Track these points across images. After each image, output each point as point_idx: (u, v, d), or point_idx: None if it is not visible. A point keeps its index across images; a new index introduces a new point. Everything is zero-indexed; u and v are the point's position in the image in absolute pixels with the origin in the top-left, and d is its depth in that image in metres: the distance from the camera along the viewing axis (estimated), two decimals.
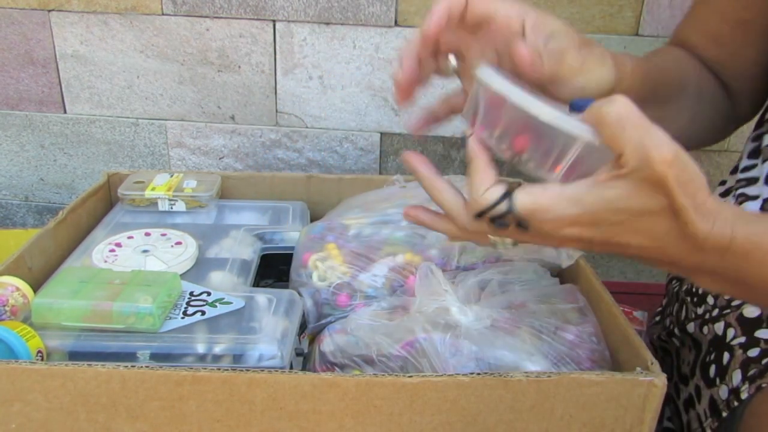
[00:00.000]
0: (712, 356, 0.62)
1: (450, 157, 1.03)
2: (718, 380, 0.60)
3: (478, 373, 0.49)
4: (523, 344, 0.55)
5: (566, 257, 0.66)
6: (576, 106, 0.43)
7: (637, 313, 0.89)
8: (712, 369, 0.61)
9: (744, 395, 0.56)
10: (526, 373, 0.50)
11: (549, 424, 0.51)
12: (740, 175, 0.66)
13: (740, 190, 0.64)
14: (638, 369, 0.51)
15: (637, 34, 0.93)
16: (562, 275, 0.68)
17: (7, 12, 0.97)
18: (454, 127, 1.01)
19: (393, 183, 0.81)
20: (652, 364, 0.50)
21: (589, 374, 0.50)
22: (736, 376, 0.58)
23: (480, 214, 0.43)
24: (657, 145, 0.37)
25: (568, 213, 0.40)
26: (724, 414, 0.58)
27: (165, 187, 0.80)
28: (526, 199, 0.41)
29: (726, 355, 0.60)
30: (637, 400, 0.50)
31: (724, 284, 0.44)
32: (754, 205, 0.62)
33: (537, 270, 0.64)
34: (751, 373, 0.57)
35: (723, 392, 0.59)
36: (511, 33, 0.47)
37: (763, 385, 0.55)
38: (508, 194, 0.42)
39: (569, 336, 0.56)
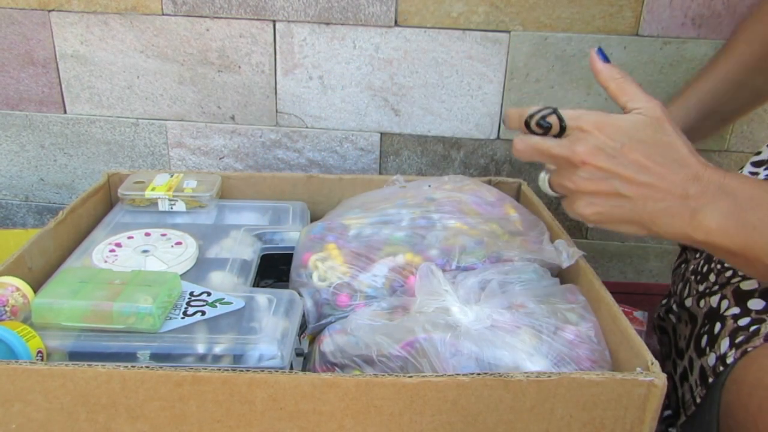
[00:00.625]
0: (706, 328, 0.63)
1: (450, 157, 1.03)
2: (707, 349, 0.60)
3: (478, 374, 0.49)
4: (523, 344, 0.55)
5: (566, 257, 0.66)
6: (601, 53, 0.57)
7: (637, 313, 0.89)
8: (704, 339, 0.62)
9: (729, 360, 0.57)
10: (526, 373, 0.50)
11: (549, 425, 0.51)
12: None
13: None
14: (638, 369, 0.51)
15: (637, 34, 0.93)
16: (562, 275, 0.68)
17: (7, 12, 0.97)
18: (454, 128, 1.01)
19: (393, 183, 0.81)
20: (652, 364, 0.50)
21: (589, 374, 0.50)
22: (724, 344, 0.58)
23: (530, 117, 0.54)
24: (649, 97, 0.53)
25: (598, 118, 0.51)
26: (711, 380, 0.58)
27: (165, 187, 0.80)
28: (568, 110, 0.53)
29: (718, 326, 0.61)
30: (638, 400, 0.50)
31: (726, 221, 0.50)
32: None
33: (537, 270, 0.64)
34: (738, 339, 0.57)
35: (711, 360, 0.59)
36: None
37: (749, 350, 0.55)
38: (556, 108, 0.54)
39: (569, 336, 0.56)
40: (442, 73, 0.97)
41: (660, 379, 0.49)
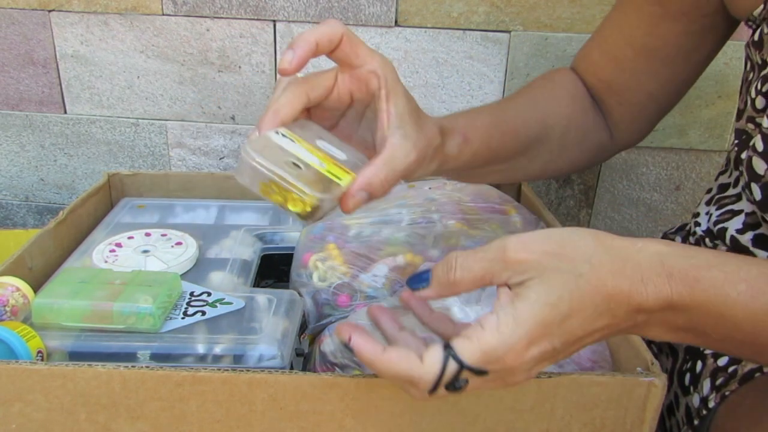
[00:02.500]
0: (688, 365, 0.62)
1: None
2: (692, 389, 0.60)
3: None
4: None
5: None
6: (415, 281, 0.43)
7: None
8: (687, 377, 0.61)
9: (711, 404, 0.56)
10: None
11: (549, 425, 0.51)
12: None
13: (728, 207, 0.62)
14: (638, 369, 0.51)
15: None
16: None
17: (7, 12, 0.97)
18: None
19: None
20: (652, 364, 0.50)
21: (589, 374, 0.50)
22: (706, 385, 0.57)
23: (435, 388, 0.39)
24: (516, 248, 0.39)
25: (519, 337, 0.38)
26: (696, 422, 0.58)
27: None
28: (470, 347, 0.39)
29: (699, 364, 0.60)
30: (638, 400, 0.50)
31: (678, 334, 0.42)
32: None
33: None
34: (718, 382, 0.56)
35: (695, 401, 0.58)
36: (368, 91, 0.49)
37: (726, 393, 0.55)
38: (449, 352, 0.39)
39: None
40: (442, 73, 0.97)
41: (660, 380, 0.49)
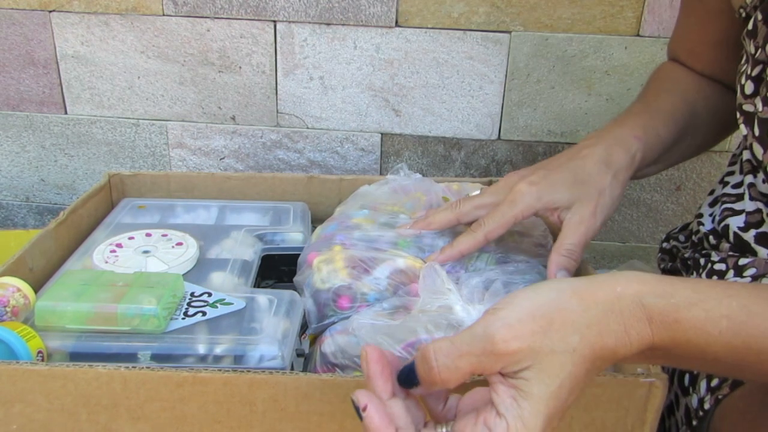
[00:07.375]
0: None
1: (451, 157, 1.03)
2: (690, 389, 0.60)
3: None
4: None
5: None
6: (405, 380, 0.42)
7: None
8: (687, 377, 0.61)
9: (707, 406, 0.56)
10: None
11: None
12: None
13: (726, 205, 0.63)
14: (639, 370, 0.51)
15: (638, 35, 0.93)
16: None
17: (8, 13, 0.97)
18: (454, 128, 1.01)
19: (397, 172, 0.80)
20: (653, 365, 0.50)
21: None
22: (703, 386, 0.58)
23: None
24: (504, 337, 0.38)
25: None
26: (695, 423, 0.58)
27: None
28: None
29: None
30: (639, 401, 0.50)
31: (648, 360, 0.44)
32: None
33: (541, 270, 0.64)
34: (713, 383, 0.56)
35: (694, 401, 0.58)
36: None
37: (720, 397, 0.55)
38: None
39: None
40: (442, 73, 0.97)
41: (661, 380, 0.49)
